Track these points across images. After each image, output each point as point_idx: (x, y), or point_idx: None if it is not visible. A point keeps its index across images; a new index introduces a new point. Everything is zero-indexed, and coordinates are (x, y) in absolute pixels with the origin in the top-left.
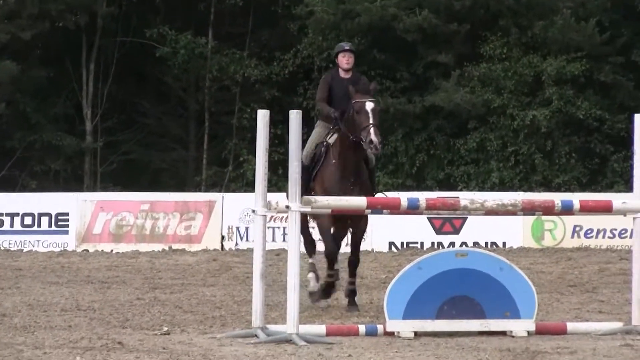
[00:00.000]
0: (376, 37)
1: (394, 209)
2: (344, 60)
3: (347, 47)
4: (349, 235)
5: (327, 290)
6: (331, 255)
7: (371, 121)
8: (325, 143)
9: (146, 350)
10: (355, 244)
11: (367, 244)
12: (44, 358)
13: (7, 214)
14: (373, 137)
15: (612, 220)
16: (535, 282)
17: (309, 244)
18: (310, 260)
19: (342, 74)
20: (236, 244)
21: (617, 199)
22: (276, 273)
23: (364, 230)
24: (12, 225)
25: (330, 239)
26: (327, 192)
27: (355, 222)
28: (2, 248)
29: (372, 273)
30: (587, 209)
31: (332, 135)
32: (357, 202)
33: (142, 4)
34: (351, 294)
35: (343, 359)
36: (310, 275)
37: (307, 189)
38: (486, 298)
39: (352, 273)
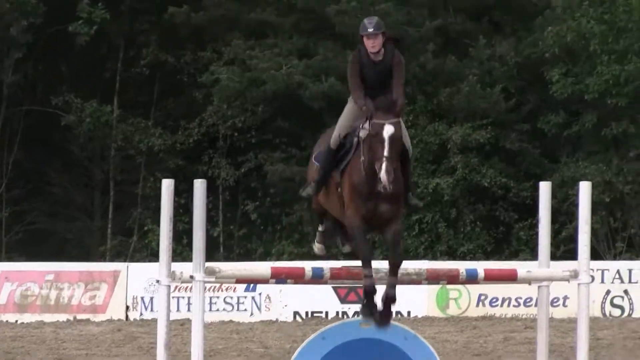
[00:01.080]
0: (282, 105)
1: (298, 278)
2: (370, 44)
3: (371, 30)
4: None
5: (369, 299)
6: (367, 256)
7: (385, 153)
8: (356, 135)
9: None
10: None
11: (271, 313)
12: None
13: None
14: (383, 174)
15: (517, 288)
16: (440, 351)
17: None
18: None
19: (372, 55)
20: (141, 314)
21: (521, 267)
22: (180, 343)
23: (399, 231)
24: None
25: (363, 238)
26: (354, 188)
27: (386, 225)
28: None
29: (276, 343)
30: (492, 277)
31: (363, 128)
32: (261, 270)
33: (48, 72)
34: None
35: None
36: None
37: (327, 176)
38: None
39: (394, 272)
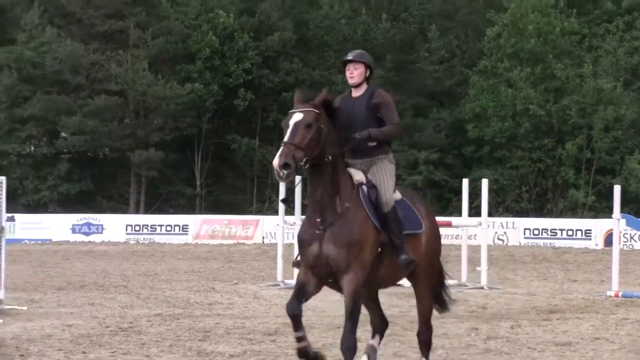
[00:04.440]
0: None
1: None
2: (348, 74)
3: (351, 57)
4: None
5: None
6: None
7: (285, 139)
8: None
9: (226, 291)
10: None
11: None
12: None
13: None
14: (275, 159)
15: None
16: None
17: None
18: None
19: (353, 92)
20: None
21: None
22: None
23: (355, 286)
24: None
25: (295, 291)
26: (300, 245)
27: (339, 278)
28: None
29: None
30: None
31: None
32: None
33: None
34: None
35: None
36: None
37: None
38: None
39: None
